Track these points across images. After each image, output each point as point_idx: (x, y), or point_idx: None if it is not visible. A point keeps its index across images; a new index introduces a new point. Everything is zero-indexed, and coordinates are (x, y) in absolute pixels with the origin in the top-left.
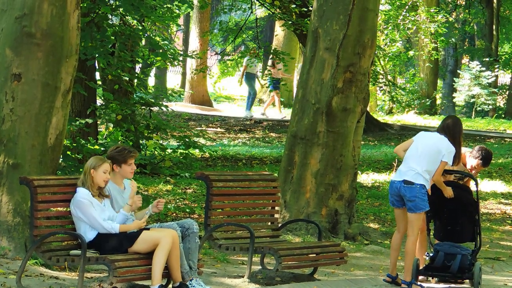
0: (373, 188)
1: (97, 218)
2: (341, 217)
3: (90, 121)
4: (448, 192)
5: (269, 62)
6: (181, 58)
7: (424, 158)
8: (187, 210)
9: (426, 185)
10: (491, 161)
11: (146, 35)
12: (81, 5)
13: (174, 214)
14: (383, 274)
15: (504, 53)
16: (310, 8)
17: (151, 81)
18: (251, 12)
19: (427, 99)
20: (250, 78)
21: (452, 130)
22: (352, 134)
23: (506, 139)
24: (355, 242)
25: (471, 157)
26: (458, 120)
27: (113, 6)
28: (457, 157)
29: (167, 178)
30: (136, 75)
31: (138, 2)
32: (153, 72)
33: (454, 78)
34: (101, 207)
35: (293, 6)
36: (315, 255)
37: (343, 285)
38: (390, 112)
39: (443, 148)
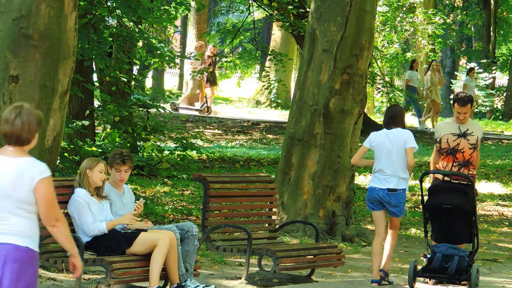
0: None
1: (88, 224)
2: (338, 219)
3: (87, 123)
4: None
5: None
6: (178, 60)
7: (396, 160)
8: (185, 212)
9: (407, 187)
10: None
11: (144, 36)
12: (79, 3)
13: (172, 216)
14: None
15: (501, 54)
16: (308, 10)
17: (149, 82)
18: (249, 13)
19: (424, 101)
20: (412, 91)
21: (400, 117)
22: (350, 136)
23: (503, 140)
24: (352, 243)
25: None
26: (398, 107)
27: (110, 8)
28: None
29: (165, 179)
30: (134, 76)
31: (135, 4)
32: (150, 73)
33: (452, 80)
34: (100, 207)
35: (291, 7)
36: (312, 256)
37: (340, 287)
38: None
39: (404, 138)
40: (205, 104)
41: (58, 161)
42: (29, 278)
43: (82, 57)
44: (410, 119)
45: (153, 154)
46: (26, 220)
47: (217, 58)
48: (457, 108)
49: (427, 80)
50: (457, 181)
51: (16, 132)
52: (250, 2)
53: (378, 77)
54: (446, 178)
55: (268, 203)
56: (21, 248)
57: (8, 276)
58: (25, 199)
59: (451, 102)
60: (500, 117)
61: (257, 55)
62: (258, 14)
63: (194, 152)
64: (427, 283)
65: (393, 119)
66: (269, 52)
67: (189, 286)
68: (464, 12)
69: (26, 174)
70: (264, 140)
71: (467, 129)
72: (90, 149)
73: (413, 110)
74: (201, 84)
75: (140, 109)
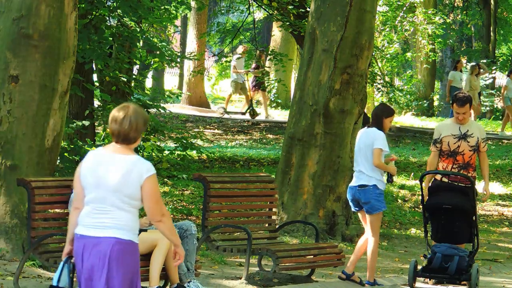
0: None
1: None
2: (338, 219)
3: (87, 123)
4: (392, 169)
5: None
6: (178, 60)
7: (367, 158)
8: (185, 211)
9: (379, 185)
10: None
11: (144, 36)
12: (79, 5)
13: (172, 215)
14: (381, 276)
15: (501, 54)
16: (308, 10)
17: (149, 82)
18: (249, 13)
19: (425, 101)
20: (454, 91)
21: (379, 117)
22: (350, 136)
23: (503, 140)
24: (352, 243)
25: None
26: (382, 106)
27: (111, 8)
28: None
29: (165, 179)
30: (134, 76)
31: (135, 4)
32: (150, 73)
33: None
34: None
35: (291, 7)
36: (312, 256)
37: (340, 287)
38: None
39: (373, 138)
40: (251, 108)
41: (58, 161)
42: (133, 269)
43: (83, 59)
44: (410, 119)
45: (153, 154)
46: (128, 214)
47: (264, 62)
48: (456, 109)
49: (466, 83)
50: (456, 182)
51: (124, 131)
52: (250, 2)
53: (378, 77)
54: (444, 179)
55: (268, 203)
56: (124, 241)
57: (114, 268)
58: (132, 195)
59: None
60: (500, 117)
61: (257, 55)
62: (259, 14)
63: (194, 152)
64: (427, 283)
65: (373, 118)
66: (269, 52)
67: None
68: (464, 12)
69: (135, 171)
70: (264, 140)
71: (467, 130)
72: (90, 149)
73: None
74: (244, 87)
75: None
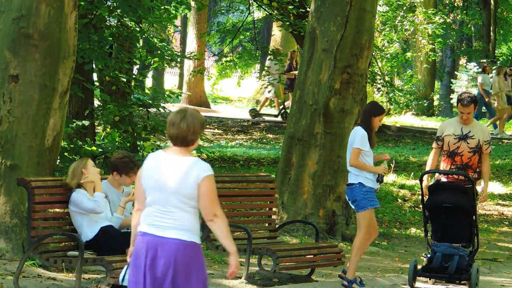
0: None
1: (85, 203)
2: (338, 218)
3: (87, 123)
4: (380, 170)
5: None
6: (178, 60)
7: (348, 157)
8: None
9: (366, 182)
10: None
11: (143, 36)
12: (79, 3)
13: None
14: (381, 275)
15: (501, 54)
16: (308, 10)
17: (149, 82)
18: (249, 13)
19: (425, 100)
20: (486, 94)
21: (367, 116)
22: None
23: (503, 140)
24: (352, 243)
25: None
26: (371, 104)
27: (111, 8)
28: (371, 140)
29: None
30: (134, 76)
31: (135, 4)
32: (150, 73)
33: (452, 80)
34: None
35: (291, 7)
36: (312, 256)
37: (340, 286)
38: (387, 113)
39: (353, 137)
40: (283, 110)
41: (58, 161)
42: (199, 270)
43: (83, 59)
44: (410, 118)
45: None
46: (189, 214)
47: (297, 63)
48: (460, 108)
49: (493, 84)
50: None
51: (181, 134)
52: (250, 2)
53: (378, 77)
54: (443, 178)
55: (268, 202)
56: (188, 243)
57: (181, 271)
58: (190, 195)
59: (451, 102)
60: None
61: (257, 54)
62: (259, 14)
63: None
64: (427, 282)
65: (361, 116)
66: (269, 52)
67: None
68: (464, 12)
69: (193, 172)
70: (264, 140)
71: (469, 131)
72: (90, 148)
73: (487, 114)
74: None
75: (140, 108)
